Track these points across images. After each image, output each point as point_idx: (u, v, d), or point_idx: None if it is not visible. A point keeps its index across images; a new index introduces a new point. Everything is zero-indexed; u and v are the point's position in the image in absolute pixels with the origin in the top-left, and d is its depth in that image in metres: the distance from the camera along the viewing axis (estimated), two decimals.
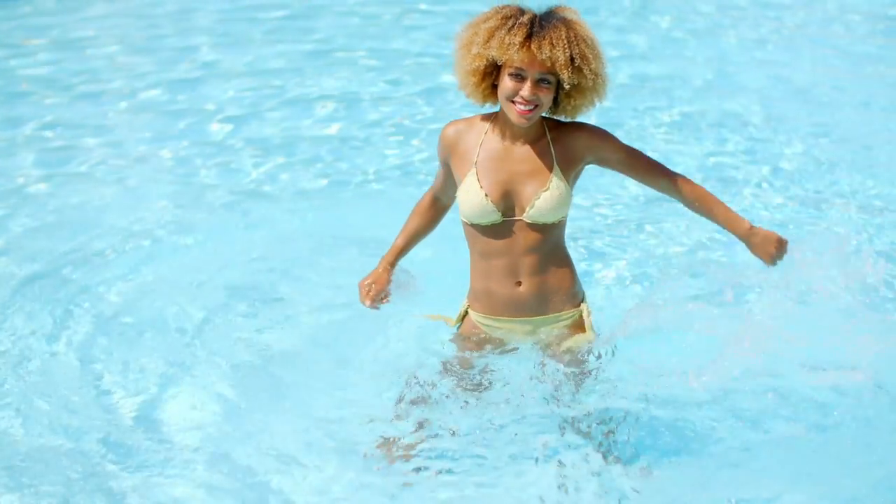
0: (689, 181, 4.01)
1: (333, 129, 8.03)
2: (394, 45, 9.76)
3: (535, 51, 3.70)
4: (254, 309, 5.41)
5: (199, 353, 5.01)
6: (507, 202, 3.90)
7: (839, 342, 4.87)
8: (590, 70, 3.75)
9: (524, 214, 3.89)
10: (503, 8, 3.81)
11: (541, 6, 3.85)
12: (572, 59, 3.72)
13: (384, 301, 4.24)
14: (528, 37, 3.71)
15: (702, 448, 4.29)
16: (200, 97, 8.64)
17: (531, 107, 3.77)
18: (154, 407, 4.67)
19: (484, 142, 3.92)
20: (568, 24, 3.75)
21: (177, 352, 5.04)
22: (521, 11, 3.78)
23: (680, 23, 10.44)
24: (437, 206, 4.27)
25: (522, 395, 4.18)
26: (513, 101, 3.77)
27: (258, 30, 10.25)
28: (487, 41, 3.75)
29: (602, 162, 3.99)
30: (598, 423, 4.11)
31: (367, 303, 4.21)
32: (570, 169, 3.92)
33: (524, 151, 3.91)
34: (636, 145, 4.12)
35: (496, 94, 3.86)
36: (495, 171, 3.89)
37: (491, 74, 3.83)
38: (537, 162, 3.90)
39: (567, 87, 3.76)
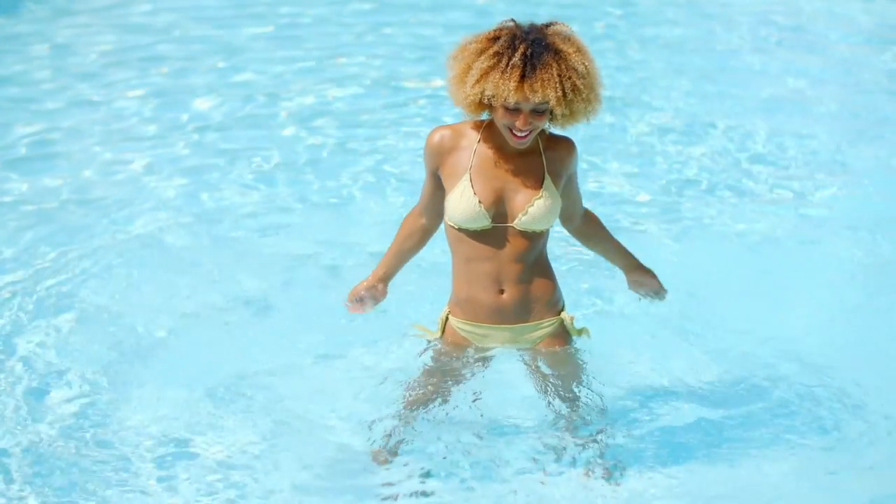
0: (590, 222, 4.24)
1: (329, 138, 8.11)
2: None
3: (529, 93, 3.72)
4: (239, 320, 5.46)
5: (186, 369, 5.00)
6: (499, 209, 3.94)
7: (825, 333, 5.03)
8: (581, 99, 3.79)
9: (515, 221, 3.94)
10: (494, 38, 3.79)
11: (531, 18, 3.87)
12: (564, 94, 3.76)
13: (366, 310, 4.30)
14: (521, 78, 3.72)
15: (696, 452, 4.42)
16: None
17: (527, 132, 3.84)
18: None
19: (477, 149, 3.96)
20: (559, 56, 3.75)
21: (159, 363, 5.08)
22: (513, 44, 3.76)
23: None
24: (424, 230, 4.19)
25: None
26: (509, 129, 3.83)
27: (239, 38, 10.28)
28: (481, 80, 3.77)
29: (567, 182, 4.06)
30: (585, 427, 4.21)
31: (358, 309, 4.29)
32: (558, 180, 3.98)
33: (517, 160, 3.95)
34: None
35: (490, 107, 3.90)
36: (488, 178, 3.93)
37: (484, 102, 3.85)
38: (530, 171, 3.95)
39: (560, 120, 3.85)
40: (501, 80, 3.72)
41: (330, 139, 7.92)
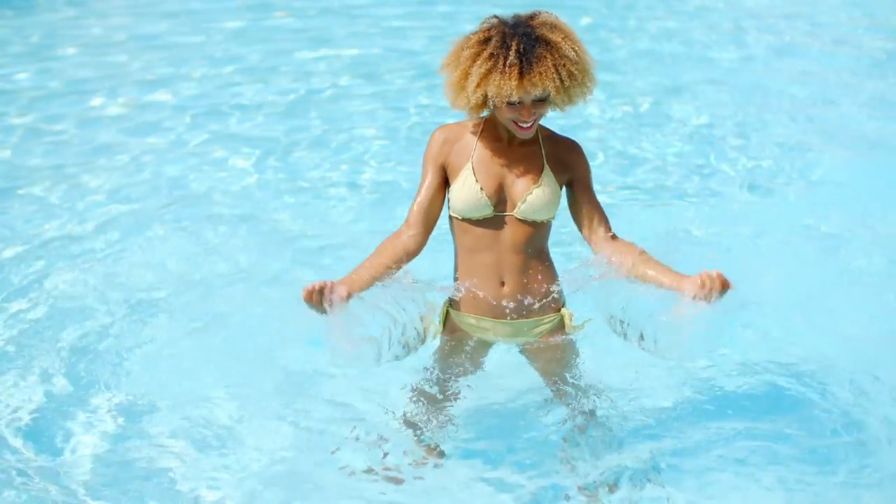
0: (620, 240, 3.99)
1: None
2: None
3: (530, 88, 3.78)
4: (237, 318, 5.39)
5: (193, 374, 4.91)
6: (500, 197, 3.99)
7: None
8: (577, 84, 3.86)
9: (515, 210, 3.98)
10: (486, 40, 3.83)
11: (516, 9, 3.93)
12: (562, 83, 3.82)
13: (325, 307, 3.72)
14: (520, 76, 3.78)
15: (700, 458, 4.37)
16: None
17: (531, 122, 3.90)
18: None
19: (478, 143, 4.02)
20: (551, 47, 3.80)
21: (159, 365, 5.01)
22: (505, 43, 3.80)
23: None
24: (409, 245, 3.99)
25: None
26: (514, 122, 3.89)
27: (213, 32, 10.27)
28: (481, 83, 3.81)
29: (572, 182, 4.04)
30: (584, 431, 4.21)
31: (315, 299, 3.71)
32: (559, 175, 4.01)
33: (518, 151, 4.01)
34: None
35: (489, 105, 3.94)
36: (489, 168, 3.99)
37: (485, 103, 3.89)
38: (530, 161, 4.00)
39: (560, 103, 3.90)
40: (502, 81, 3.78)
41: (319, 128, 7.90)
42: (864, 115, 8.45)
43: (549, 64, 3.78)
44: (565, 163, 4.02)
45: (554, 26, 3.85)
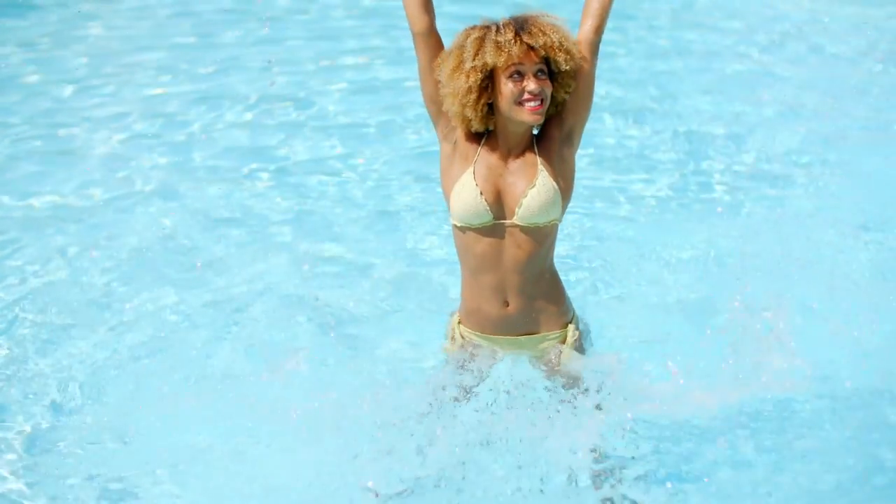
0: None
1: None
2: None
3: (529, 41, 3.80)
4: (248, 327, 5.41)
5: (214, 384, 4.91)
6: (499, 205, 3.95)
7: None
8: (575, 48, 3.86)
9: (515, 217, 3.93)
10: (473, 26, 3.89)
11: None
12: (560, 42, 3.82)
13: None
14: (516, 33, 3.80)
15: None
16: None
17: (539, 101, 3.84)
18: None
19: (482, 149, 3.99)
20: (538, 17, 3.86)
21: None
22: (493, 21, 3.87)
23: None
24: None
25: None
26: (520, 103, 3.83)
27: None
28: (479, 51, 3.82)
29: (571, 110, 3.96)
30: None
31: None
32: (551, 157, 3.96)
33: (515, 160, 3.98)
34: None
35: (492, 117, 3.92)
36: (489, 175, 3.96)
37: (486, 89, 3.86)
38: (526, 165, 3.96)
39: (565, 67, 3.83)
40: (498, 37, 3.80)
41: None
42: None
43: (542, 22, 3.82)
44: (549, 135, 3.96)
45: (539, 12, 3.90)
